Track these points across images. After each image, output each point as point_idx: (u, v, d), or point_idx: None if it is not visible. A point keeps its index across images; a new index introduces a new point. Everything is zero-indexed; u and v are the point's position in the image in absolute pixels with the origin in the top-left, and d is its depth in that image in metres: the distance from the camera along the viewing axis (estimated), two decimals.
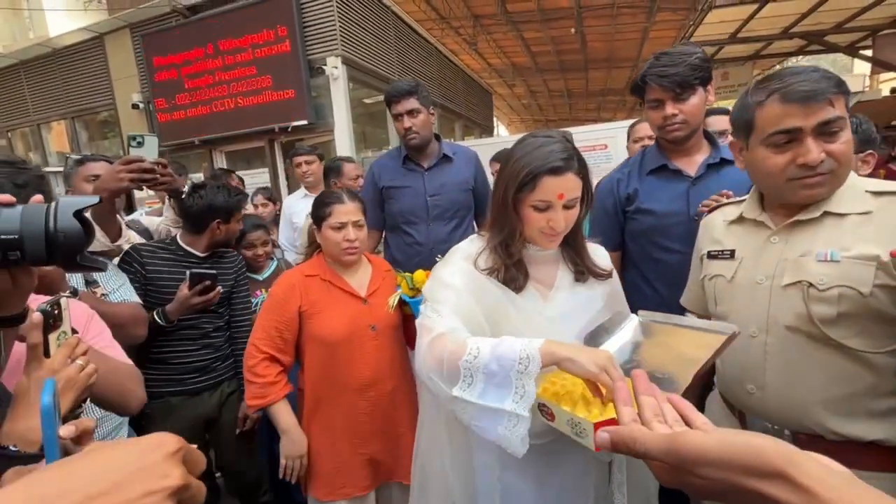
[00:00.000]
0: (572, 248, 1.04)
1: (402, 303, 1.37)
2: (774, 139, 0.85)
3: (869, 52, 6.18)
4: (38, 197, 0.54)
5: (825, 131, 0.81)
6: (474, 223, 2.03)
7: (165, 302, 1.49)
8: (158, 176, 1.33)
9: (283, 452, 1.31)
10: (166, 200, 1.87)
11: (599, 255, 1.09)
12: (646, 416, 0.44)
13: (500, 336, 0.84)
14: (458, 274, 0.97)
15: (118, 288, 1.38)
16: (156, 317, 1.47)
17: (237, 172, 4.85)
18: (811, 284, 0.83)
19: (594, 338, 0.96)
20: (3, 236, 0.49)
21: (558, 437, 0.88)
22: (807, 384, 0.85)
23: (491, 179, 2.41)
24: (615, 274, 1.10)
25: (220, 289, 1.53)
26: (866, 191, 0.85)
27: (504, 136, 18.90)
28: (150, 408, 1.47)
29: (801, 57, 7.46)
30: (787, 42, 6.54)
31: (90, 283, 1.33)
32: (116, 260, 1.50)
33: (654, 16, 8.74)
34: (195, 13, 5.10)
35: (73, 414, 0.72)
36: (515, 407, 0.76)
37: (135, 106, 5.55)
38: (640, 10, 8.63)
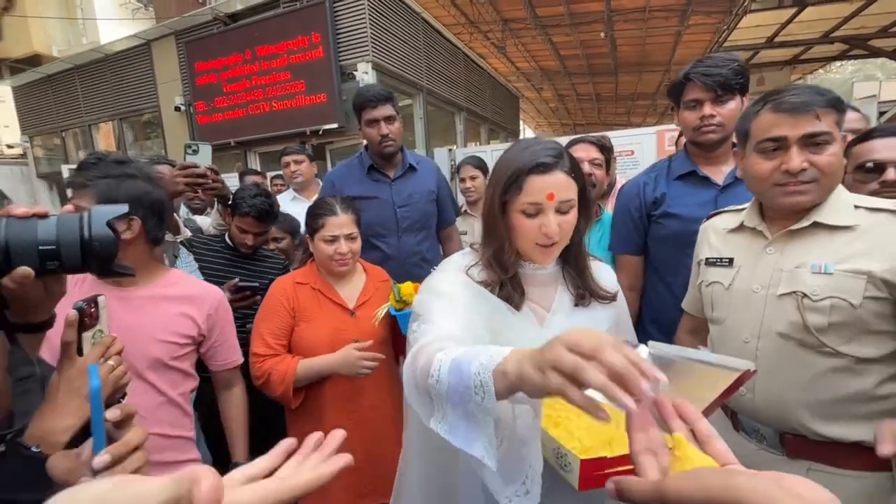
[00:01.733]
0: (573, 266, 0.92)
1: (391, 316, 1.34)
2: (763, 146, 0.90)
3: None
4: (69, 207, 0.56)
5: (811, 142, 0.85)
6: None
7: None
8: (210, 181, 1.44)
9: (351, 370, 1.25)
10: (215, 204, 1.97)
11: (604, 275, 0.98)
12: (633, 450, 0.42)
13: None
14: (453, 283, 0.87)
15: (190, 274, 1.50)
16: None
17: (269, 173, 5.11)
18: (805, 295, 0.86)
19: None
20: (42, 247, 0.50)
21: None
22: (794, 388, 0.89)
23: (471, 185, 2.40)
24: (621, 297, 1.01)
25: (258, 297, 1.58)
26: (855, 205, 0.89)
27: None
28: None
29: (843, 62, 7.18)
30: (827, 46, 6.31)
31: None
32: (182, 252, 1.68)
33: (687, 19, 8.57)
34: (235, 21, 5.35)
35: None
36: (484, 455, 0.56)
37: (177, 108, 5.86)
38: (674, 13, 8.47)
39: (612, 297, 0.95)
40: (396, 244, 1.80)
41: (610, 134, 4.33)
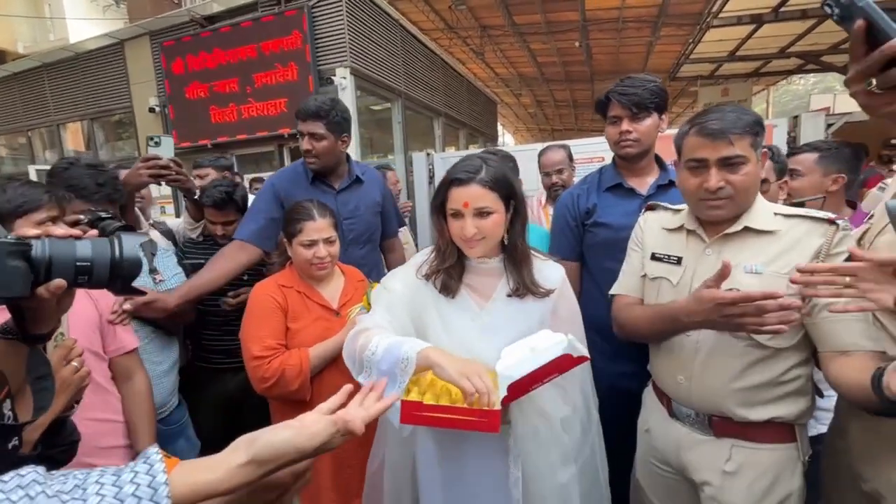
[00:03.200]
0: (513, 263, 1.08)
1: None
2: (690, 164, 1.03)
3: None
4: (94, 232, 0.61)
5: (727, 164, 0.98)
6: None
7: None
8: (173, 173, 1.47)
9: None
10: (183, 202, 2.00)
11: (547, 273, 1.11)
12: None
13: (425, 337, 1.01)
14: (399, 280, 1.11)
15: (174, 275, 1.61)
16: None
17: (247, 175, 5.10)
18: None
19: (512, 352, 0.98)
20: (79, 263, 0.55)
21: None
22: (724, 377, 1.02)
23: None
24: (567, 294, 1.14)
25: (243, 297, 1.66)
26: (774, 213, 1.02)
27: (510, 145, 19.06)
28: (188, 374, 1.71)
29: (800, 76, 7.60)
30: (785, 60, 6.69)
31: (153, 271, 1.56)
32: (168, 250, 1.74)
33: (658, 30, 8.91)
34: (212, 23, 5.33)
35: (66, 414, 0.74)
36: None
37: (151, 110, 5.78)
38: (646, 24, 8.80)
39: (546, 293, 1.08)
40: (343, 256, 1.66)
41: (580, 142, 4.51)
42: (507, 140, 21.35)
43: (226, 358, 1.75)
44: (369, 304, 1.31)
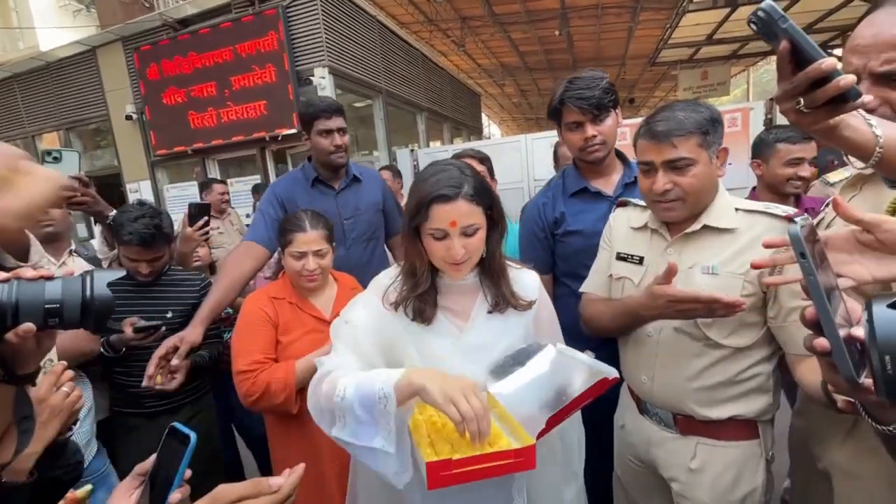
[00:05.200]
0: (489, 276, 0.99)
1: None
2: (642, 167, 1.04)
3: (839, 52, 6.39)
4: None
5: (673, 166, 0.97)
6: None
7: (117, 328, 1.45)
8: (77, 195, 1.24)
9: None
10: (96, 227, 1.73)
11: (524, 283, 1.04)
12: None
13: None
14: (363, 309, 0.97)
15: None
16: (101, 348, 1.44)
17: (231, 180, 5.06)
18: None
19: (502, 369, 0.94)
20: (48, 305, 0.54)
21: None
22: (685, 377, 1.03)
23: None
24: (545, 303, 1.08)
25: (161, 331, 1.46)
26: (735, 209, 1.01)
27: (496, 137, 19.02)
28: (116, 425, 1.57)
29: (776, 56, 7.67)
30: (761, 42, 6.74)
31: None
32: None
33: (637, 16, 8.92)
34: (186, 27, 5.24)
35: (63, 437, 0.74)
36: (384, 445, 0.76)
37: (128, 117, 5.69)
38: (625, 10, 8.80)
39: (528, 306, 1.00)
40: (345, 255, 1.74)
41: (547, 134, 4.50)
42: (493, 131, 21.31)
43: (159, 401, 1.55)
44: None
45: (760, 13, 0.59)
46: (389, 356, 0.95)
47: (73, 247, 1.72)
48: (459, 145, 7.16)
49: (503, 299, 0.98)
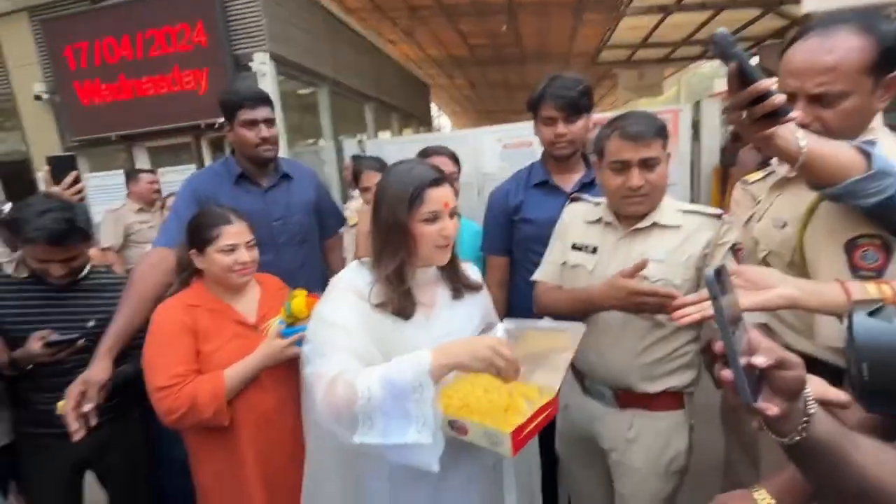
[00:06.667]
0: (449, 266, 1.08)
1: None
2: (614, 165, 1.13)
3: (755, 60, 7.02)
4: None
5: (646, 164, 1.10)
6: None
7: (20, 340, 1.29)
8: None
9: (280, 358, 1.23)
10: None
11: (471, 271, 1.17)
12: None
13: None
14: (347, 310, 0.95)
15: None
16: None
17: (161, 169, 4.71)
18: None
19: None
20: None
21: (446, 451, 0.92)
22: (630, 354, 1.17)
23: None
24: (485, 286, 1.19)
25: (80, 343, 1.33)
26: (677, 209, 1.17)
27: (446, 129, 19.02)
28: (23, 445, 1.41)
29: (704, 61, 8.28)
30: (691, 48, 7.25)
31: None
32: None
33: (581, 15, 9.24)
34: None
35: None
36: (418, 437, 0.78)
37: (37, 97, 5.10)
38: (568, 9, 9.09)
39: (480, 286, 1.15)
40: (275, 260, 1.59)
41: (509, 126, 4.62)
42: (443, 122, 21.31)
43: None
44: (289, 316, 1.24)
45: (715, 38, 0.70)
46: (383, 352, 0.94)
47: None
48: (409, 137, 7.12)
49: (463, 284, 1.10)
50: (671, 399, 1.19)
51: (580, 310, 1.20)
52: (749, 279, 0.83)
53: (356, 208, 2.44)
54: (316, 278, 1.77)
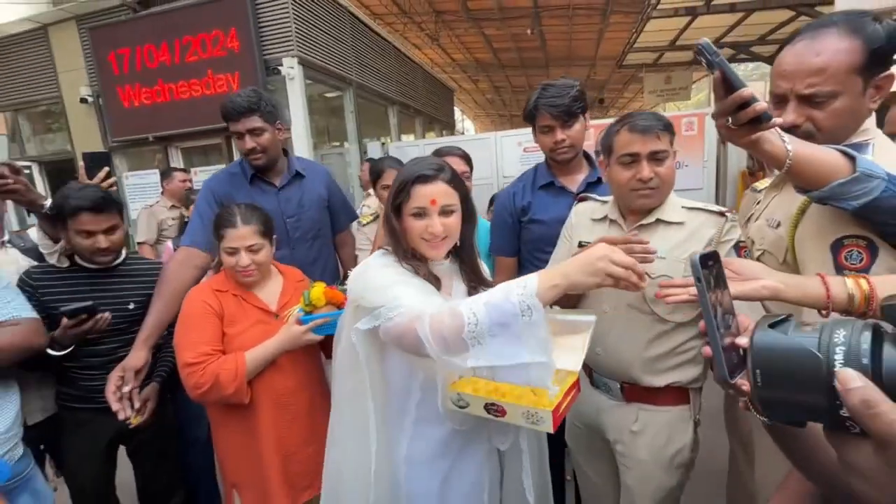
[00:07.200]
0: (467, 263, 1.10)
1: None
2: (623, 159, 1.14)
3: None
4: None
5: (655, 157, 1.10)
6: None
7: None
8: (9, 182, 1.18)
9: (299, 343, 1.29)
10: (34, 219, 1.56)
11: (487, 272, 1.18)
12: None
13: None
14: (392, 271, 0.99)
15: (7, 302, 1.32)
16: (49, 348, 1.37)
17: (193, 168, 4.92)
18: (647, 274, 1.12)
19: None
20: None
21: (459, 435, 1.02)
22: (633, 348, 1.18)
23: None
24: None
25: (106, 316, 1.40)
26: (682, 206, 1.17)
27: (469, 132, 19.08)
28: (63, 418, 1.52)
29: (738, 63, 8.06)
30: (721, 51, 7.08)
31: None
32: (7, 270, 1.46)
33: (607, 18, 9.16)
34: (146, 7, 5.04)
35: None
36: (533, 356, 0.79)
37: (83, 100, 5.42)
38: (595, 11, 9.03)
39: (492, 285, 1.14)
40: (289, 256, 1.66)
41: (523, 130, 4.61)
42: (467, 126, 21.39)
43: None
44: (307, 304, 1.30)
45: (700, 48, 0.73)
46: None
47: (6, 237, 1.64)
48: (431, 139, 7.19)
49: (479, 282, 1.10)
50: (676, 394, 1.19)
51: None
52: (735, 270, 0.84)
53: (376, 206, 2.50)
54: (329, 272, 1.84)
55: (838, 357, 0.37)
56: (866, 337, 0.37)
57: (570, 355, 0.98)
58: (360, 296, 0.96)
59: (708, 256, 0.53)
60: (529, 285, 0.78)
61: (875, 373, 0.35)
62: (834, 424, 0.38)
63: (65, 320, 1.33)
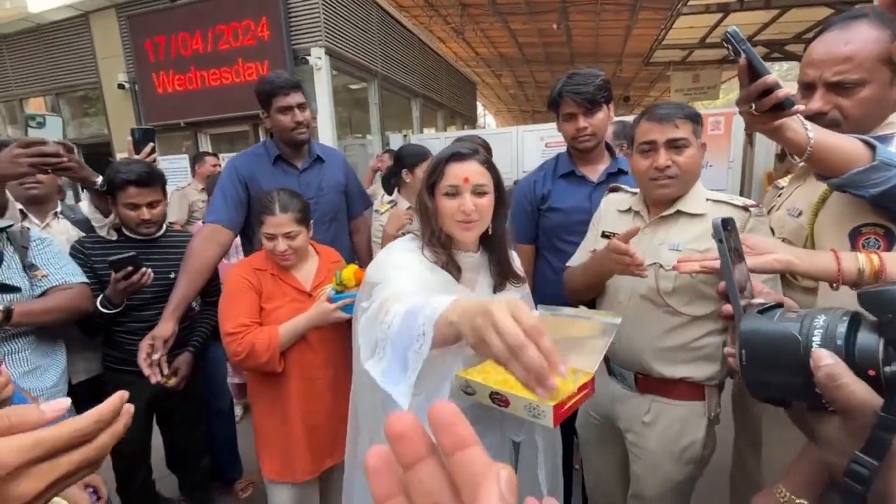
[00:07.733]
0: (496, 255, 1.08)
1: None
2: (641, 147, 1.16)
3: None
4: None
5: (673, 146, 1.10)
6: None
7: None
8: (64, 160, 1.24)
9: (328, 319, 1.35)
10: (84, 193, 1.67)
11: (517, 263, 1.17)
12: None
13: None
14: (408, 257, 0.99)
15: (61, 268, 1.42)
16: (99, 306, 1.48)
17: (223, 155, 5.08)
18: (661, 265, 1.14)
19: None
20: None
21: (472, 420, 1.03)
22: (647, 338, 1.20)
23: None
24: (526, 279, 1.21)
25: (148, 271, 1.48)
26: (706, 198, 1.16)
27: (491, 127, 19.00)
28: (109, 379, 1.64)
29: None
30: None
31: (29, 268, 1.37)
32: (59, 239, 1.56)
33: (636, 14, 8.98)
34: None
35: None
36: (402, 398, 0.64)
37: (120, 86, 5.64)
38: (624, 7, 8.86)
39: (524, 280, 1.15)
40: None
41: (548, 125, 4.61)
42: (488, 121, 21.29)
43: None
44: (339, 284, 1.38)
45: (727, 35, 0.76)
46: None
47: (59, 209, 1.79)
48: (453, 133, 7.23)
49: (507, 276, 1.10)
50: (690, 389, 1.19)
51: (591, 277, 1.25)
52: (750, 245, 0.87)
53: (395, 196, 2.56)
54: (344, 256, 1.90)
55: (816, 339, 0.40)
56: (844, 322, 0.40)
57: (589, 356, 0.98)
58: (369, 274, 1.00)
59: (726, 221, 0.57)
60: (438, 309, 0.61)
61: (848, 353, 0.38)
62: (813, 403, 0.41)
63: (114, 274, 1.42)
